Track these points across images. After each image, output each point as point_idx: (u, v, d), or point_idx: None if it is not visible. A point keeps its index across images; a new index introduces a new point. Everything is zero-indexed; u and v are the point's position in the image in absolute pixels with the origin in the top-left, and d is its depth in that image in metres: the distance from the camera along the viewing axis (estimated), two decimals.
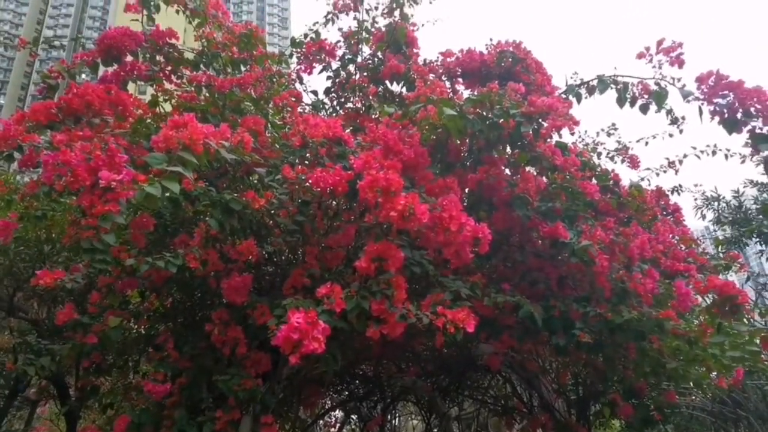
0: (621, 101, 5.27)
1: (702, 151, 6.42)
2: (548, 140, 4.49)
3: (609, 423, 8.55)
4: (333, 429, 11.22)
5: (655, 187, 6.19)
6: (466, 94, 5.46)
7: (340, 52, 5.91)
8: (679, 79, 4.19)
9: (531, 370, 6.13)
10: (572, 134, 4.71)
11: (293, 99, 4.73)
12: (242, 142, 3.59)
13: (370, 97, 5.12)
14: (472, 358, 6.85)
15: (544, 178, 5.04)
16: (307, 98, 6.02)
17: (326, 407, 9.22)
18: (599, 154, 7.89)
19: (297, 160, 3.93)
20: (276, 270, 5.20)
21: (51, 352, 4.35)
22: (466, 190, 4.84)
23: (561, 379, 6.26)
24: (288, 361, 4.15)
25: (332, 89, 5.82)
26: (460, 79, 5.49)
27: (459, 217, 3.31)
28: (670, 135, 6.07)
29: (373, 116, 5.51)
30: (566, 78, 5.10)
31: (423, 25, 6.02)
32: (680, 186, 7.07)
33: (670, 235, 5.09)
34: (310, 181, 3.57)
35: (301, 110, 5.79)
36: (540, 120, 3.85)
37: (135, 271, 3.84)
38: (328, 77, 5.74)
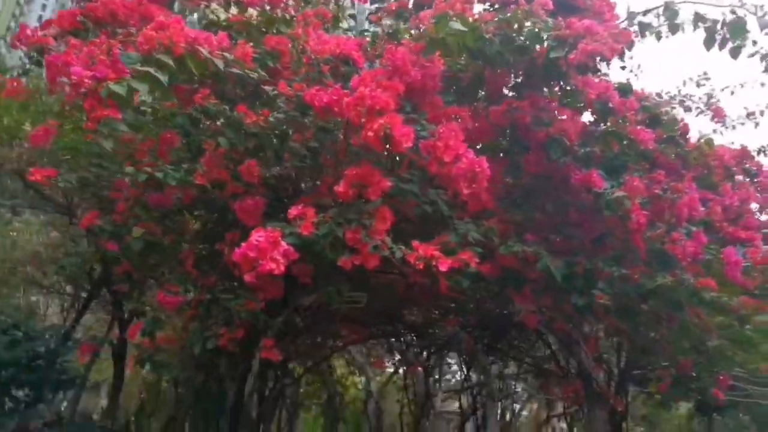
0: (709, 42, 4.53)
1: None
2: (596, 74, 3.93)
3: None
4: (378, 369, 11.45)
5: (739, 146, 5.35)
6: None
7: None
8: (761, 7, 3.44)
9: (570, 336, 5.69)
10: (609, 63, 3.95)
11: (319, 17, 4.44)
12: (244, 54, 3.42)
13: (384, 14, 4.70)
14: (510, 315, 6.50)
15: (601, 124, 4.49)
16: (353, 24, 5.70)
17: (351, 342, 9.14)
18: (688, 108, 6.99)
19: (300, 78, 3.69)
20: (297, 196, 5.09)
21: (78, 254, 4.57)
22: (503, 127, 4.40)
23: (592, 346, 5.76)
24: (296, 288, 4.08)
25: (373, 13, 5.45)
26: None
27: (456, 147, 2.96)
28: (762, 84, 5.15)
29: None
30: (627, 6, 4.40)
31: None
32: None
33: (739, 199, 4.38)
34: (306, 98, 3.33)
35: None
36: (574, 44, 3.31)
37: (136, 180, 3.86)
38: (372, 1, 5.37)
